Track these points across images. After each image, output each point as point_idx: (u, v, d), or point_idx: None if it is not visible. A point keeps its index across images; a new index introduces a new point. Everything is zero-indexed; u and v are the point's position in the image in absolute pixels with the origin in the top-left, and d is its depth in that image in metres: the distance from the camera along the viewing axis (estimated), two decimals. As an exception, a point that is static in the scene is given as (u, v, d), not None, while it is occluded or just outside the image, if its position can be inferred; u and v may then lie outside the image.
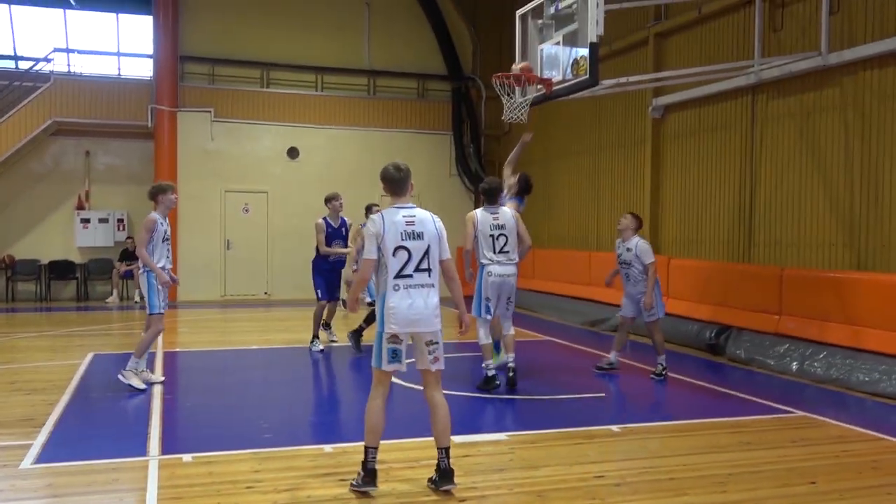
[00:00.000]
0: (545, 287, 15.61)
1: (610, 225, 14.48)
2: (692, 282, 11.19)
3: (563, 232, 16.27)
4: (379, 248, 4.71)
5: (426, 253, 4.77)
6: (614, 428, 6.37)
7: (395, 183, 4.83)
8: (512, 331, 8.10)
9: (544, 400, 7.53)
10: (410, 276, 4.73)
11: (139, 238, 7.81)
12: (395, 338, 4.71)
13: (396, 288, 4.71)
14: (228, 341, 10.87)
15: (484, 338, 7.83)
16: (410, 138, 18.52)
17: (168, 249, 7.96)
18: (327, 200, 10.40)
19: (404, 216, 4.77)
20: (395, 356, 4.73)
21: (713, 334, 10.30)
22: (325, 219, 10.41)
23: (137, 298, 16.55)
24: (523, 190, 8.72)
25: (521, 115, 9.15)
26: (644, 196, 13.28)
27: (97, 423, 6.49)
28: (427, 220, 4.83)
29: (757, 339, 9.73)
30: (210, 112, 17.24)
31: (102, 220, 17.23)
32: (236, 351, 10.28)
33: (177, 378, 8.49)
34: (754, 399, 7.64)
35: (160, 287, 7.76)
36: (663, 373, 8.51)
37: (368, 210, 10.57)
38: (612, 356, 8.92)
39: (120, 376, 7.78)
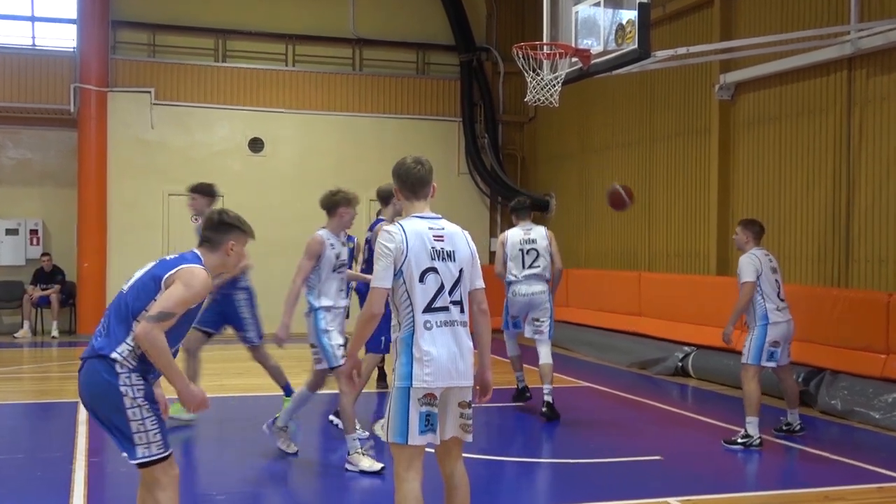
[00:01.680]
0: (581, 318, 15.58)
1: (665, 238, 14.48)
2: (772, 311, 11.16)
3: (605, 247, 16.27)
4: (400, 273, 4.47)
5: (458, 280, 4.58)
6: (672, 501, 6.34)
7: (415, 182, 4.68)
8: (549, 359, 9.20)
9: (582, 464, 7.50)
10: (446, 308, 4.53)
11: (299, 265, 7.25)
12: (430, 397, 4.44)
13: (428, 326, 4.48)
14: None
15: (512, 350, 9.81)
16: (407, 126, 18.57)
17: (342, 280, 7.43)
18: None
19: (431, 228, 4.60)
20: (428, 423, 4.44)
21: (800, 379, 10.25)
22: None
23: (55, 333, 16.57)
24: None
25: (551, 96, 9.18)
26: (709, 200, 13.27)
27: (2, 497, 6.46)
28: (458, 235, 4.68)
29: (857, 385, 9.68)
30: (150, 93, 17.31)
31: (11, 232, 17.28)
32: (182, 400, 10.27)
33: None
34: (854, 463, 7.58)
35: (328, 328, 7.23)
36: (739, 440, 8.36)
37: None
38: (789, 416, 8.70)
39: (348, 465, 7.17)
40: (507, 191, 18.04)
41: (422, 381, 4.42)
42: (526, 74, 9.23)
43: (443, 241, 4.57)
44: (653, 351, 13.13)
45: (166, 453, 4.45)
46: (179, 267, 4.44)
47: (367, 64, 18.79)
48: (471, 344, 4.62)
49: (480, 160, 18.60)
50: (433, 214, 4.68)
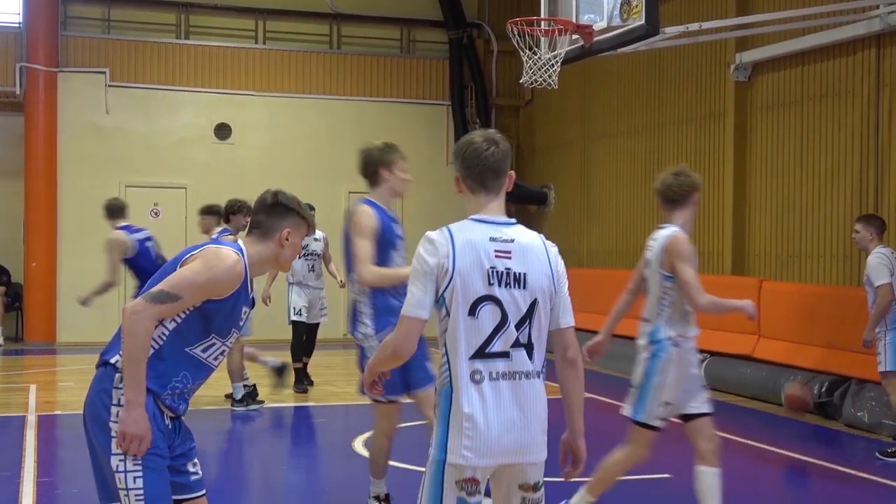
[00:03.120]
0: (581, 323, 15.37)
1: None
2: (792, 314, 11.20)
3: (609, 245, 16.30)
4: (442, 300, 3.59)
5: (530, 313, 3.63)
6: (683, 523, 6.35)
7: (486, 169, 3.71)
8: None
9: (584, 483, 7.53)
10: (506, 355, 3.59)
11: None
12: (471, 482, 3.57)
13: (477, 378, 3.57)
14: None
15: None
16: (390, 111, 18.55)
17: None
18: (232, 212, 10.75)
19: (493, 238, 3.63)
20: None
21: (823, 389, 10.31)
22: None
23: (0, 341, 16.51)
24: None
25: (549, 77, 9.21)
26: (724, 192, 13.31)
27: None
28: (534, 249, 3.69)
29: (886, 396, 9.72)
30: (104, 73, 17.27)
31: (-51, 228, 17.22)
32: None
33: (55, 453, 8.46)
34: (886, 482, 7.62)
35: None
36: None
37: None
38: None
39: None
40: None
41: (459, 457, 3.54)
42: (522, 53, 9.26)
43: (509, 258, 3.61)
44: (662, 359, 13.13)
45: None
46: (205, 246, 3.83)
47: (346, 42, 18.78)
48: (542, 405, 3.72)
49: (471, 148, 18.62)
50: (503, 218, 3.72)
